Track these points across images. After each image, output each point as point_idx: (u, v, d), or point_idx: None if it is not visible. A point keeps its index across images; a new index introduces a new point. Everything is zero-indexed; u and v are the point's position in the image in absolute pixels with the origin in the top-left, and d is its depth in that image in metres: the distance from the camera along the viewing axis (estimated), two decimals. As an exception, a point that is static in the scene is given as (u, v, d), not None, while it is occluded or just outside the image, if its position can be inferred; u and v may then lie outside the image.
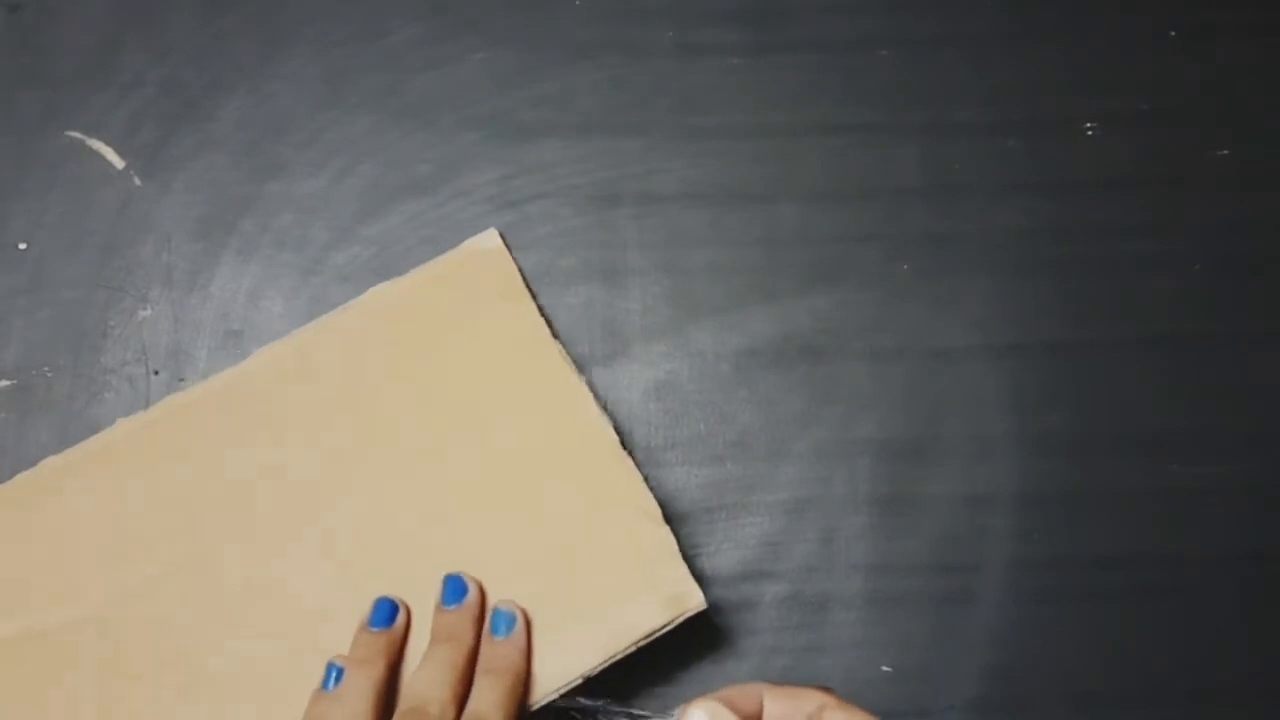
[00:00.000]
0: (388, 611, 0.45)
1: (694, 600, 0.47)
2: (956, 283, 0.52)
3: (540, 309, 0.51)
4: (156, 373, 0.52)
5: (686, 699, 0.48)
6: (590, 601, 0.47)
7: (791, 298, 0.52)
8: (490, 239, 0.52)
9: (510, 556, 0.48)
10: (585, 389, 0.50)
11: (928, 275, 0.52)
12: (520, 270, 0.52)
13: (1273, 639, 0.49)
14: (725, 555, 0.50)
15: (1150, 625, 0.49)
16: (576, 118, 0.54)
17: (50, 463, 0.49)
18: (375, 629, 0.45)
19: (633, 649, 0.46)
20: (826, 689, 0.39)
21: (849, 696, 0.40)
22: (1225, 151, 0.54)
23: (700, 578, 0.49)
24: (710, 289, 0.52)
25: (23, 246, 0.53)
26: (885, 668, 0.49)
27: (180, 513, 0.49)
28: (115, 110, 0.54)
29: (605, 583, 0.47)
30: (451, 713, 0.41)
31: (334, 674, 0.43)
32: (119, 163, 0.54)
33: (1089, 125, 0.54)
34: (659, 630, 0.46)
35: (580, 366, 0.51)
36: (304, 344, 0.51)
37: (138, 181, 0.54)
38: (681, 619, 0.47)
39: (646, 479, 0.50)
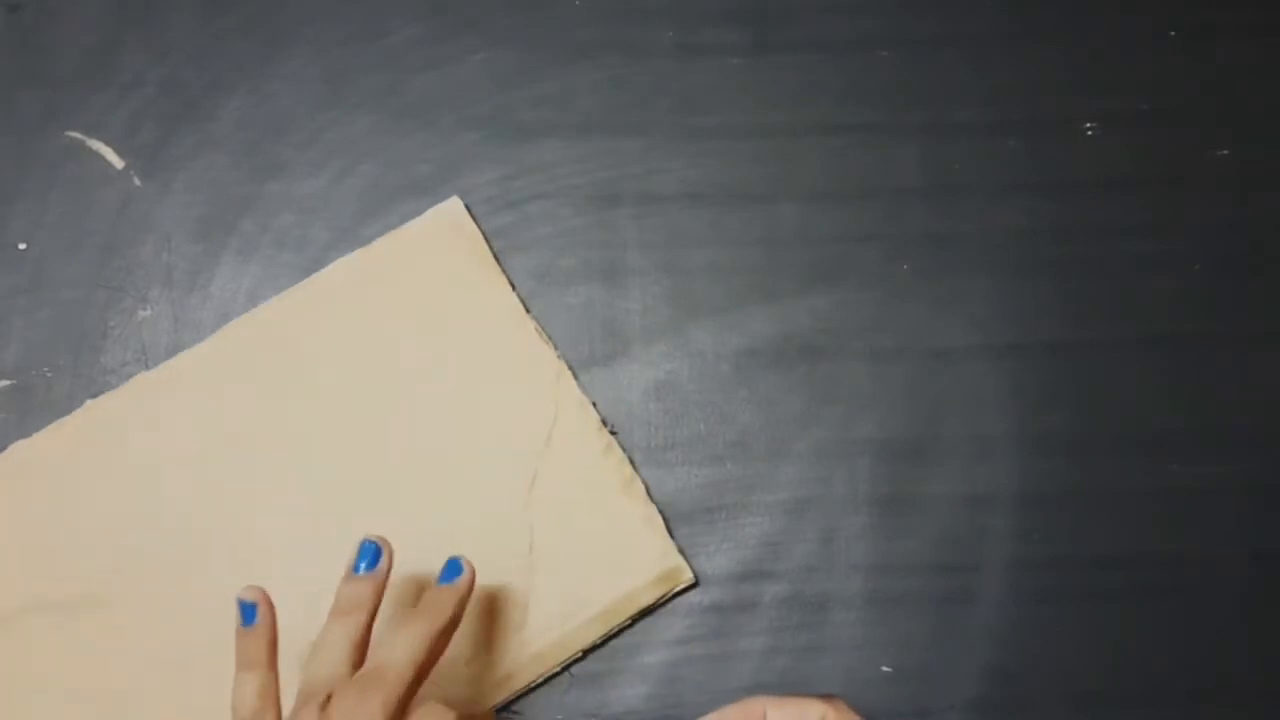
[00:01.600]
0: (372, 554, 0.43)
1: (684, 575, 0.48)
2: (956, 283, 0.52)
3: (512, 283, 0.51)
4: (156, 373, 0.52)
5: (685, 703, 0.48)
6: (585, 580, 0.48)
7: (791, 298, 0.52)
8: (454, 207, 0.52)
9: (499, 534, 0.48)
10: (564, 364, 0.50)
11: (928, 275, 0.52)
12: (486, 237, 0.52)
13: (1273, 639, 0.49)
14: (725, 555, 0.50)
15: (1150, 625, 0.49)
16: (576, 118, 0.54)
17: (20, 446, 0.50)
18: (360, 574, 0.43)
19: (629, 623, 0.48)
20: (830, 696, 0.39)
21: (849, 697, 0.40)
22: (1225, 151, 0.54)
23: (700, 578, 0.49)
24: (710, 289, 0.52)
25: (23, 246, 0.53)
26: (885, 668, 0.49)
27: (154, 485, 0.49)
28: (115, 110, 0.54)
29: (598, 561, 0.48)
30: (409, 675, 0.40)
31: (247, 612, 0.42)
32: (119, 163, 0.54)
33: (1089, 125, 0.54)
34: (652, 605, 0.48)
35: (581, 366, 0.51)
36: (272, 316, 0.51)
37: (138, 181, 0.54)
38: (673, 593, 0.48)
39: (646, 480, 0.50)
